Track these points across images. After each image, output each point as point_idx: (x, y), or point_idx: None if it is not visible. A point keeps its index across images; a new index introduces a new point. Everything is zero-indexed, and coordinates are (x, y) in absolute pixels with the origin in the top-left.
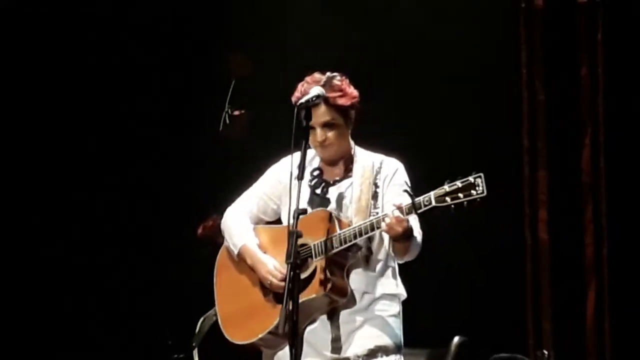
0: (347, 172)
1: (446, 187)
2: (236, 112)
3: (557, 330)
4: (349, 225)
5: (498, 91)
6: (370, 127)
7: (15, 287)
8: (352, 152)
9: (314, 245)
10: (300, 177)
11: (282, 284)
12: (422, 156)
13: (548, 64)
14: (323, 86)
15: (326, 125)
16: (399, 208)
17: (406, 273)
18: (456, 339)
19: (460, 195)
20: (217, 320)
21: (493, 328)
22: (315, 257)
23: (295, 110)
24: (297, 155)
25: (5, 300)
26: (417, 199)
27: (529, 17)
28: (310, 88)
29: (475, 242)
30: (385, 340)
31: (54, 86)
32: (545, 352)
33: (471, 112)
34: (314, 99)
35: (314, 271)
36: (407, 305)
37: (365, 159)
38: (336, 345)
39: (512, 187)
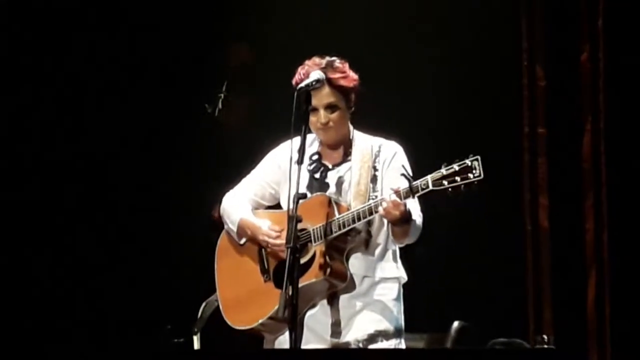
0: (346, 156)
1: (443, 171)
2: (232, 98)
3: (558, 316)
4: (348, 210)
5: (498, 77)
6: (370, 112)
7: (10, 277)
8: (351, 136)
9: (313, 230)
10: (300, 162)
11: (279, 241)
12: (422, 142)
13: (549, 49)
14: (324, 68)
15: (329, 107)
16: (396, 192)
17: (406, 258)
18: (456, 323)
19: (458, 178)
20: (218, 305)
21: (493, 313)
22: (315, 241)
23: (295, 94)
24: (297, 139)
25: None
26: (414, 183)
27: (530, 3)
28: (311, 71)
29: (476, 228)
30: (385, 325)
31: (49, 78)
32: (545, 337)
33: (471, 97)
34: (314, 83)
35: (314, 256)
36: (406, 290)
37: (363, 142)
38: (336, 330)
39: (512, 174)
